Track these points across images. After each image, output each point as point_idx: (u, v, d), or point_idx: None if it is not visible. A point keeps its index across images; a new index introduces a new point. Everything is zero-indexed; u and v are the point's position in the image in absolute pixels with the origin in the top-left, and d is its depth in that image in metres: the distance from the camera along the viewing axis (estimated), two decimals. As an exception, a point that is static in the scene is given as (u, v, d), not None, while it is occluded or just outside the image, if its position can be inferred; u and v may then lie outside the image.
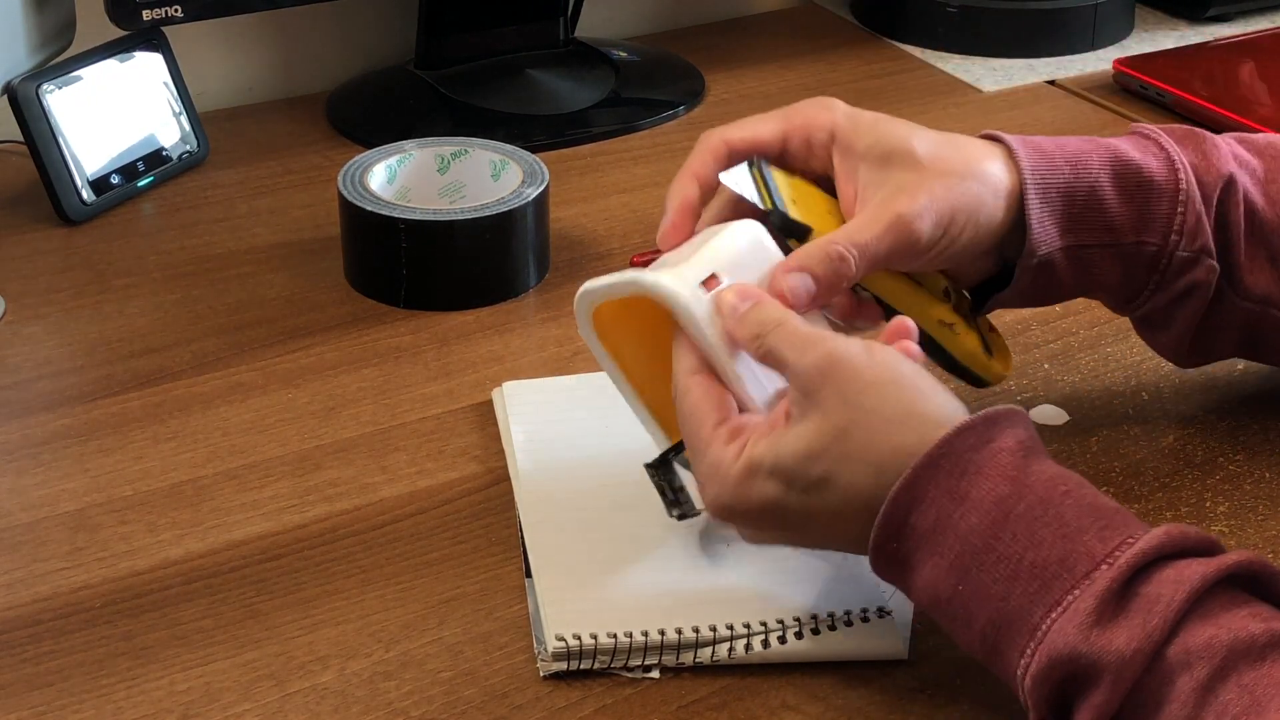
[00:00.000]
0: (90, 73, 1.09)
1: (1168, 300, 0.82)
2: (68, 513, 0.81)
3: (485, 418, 0.89)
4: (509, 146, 1.05)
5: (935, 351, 0.79)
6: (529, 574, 0.76)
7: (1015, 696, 0.64)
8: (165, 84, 1.14)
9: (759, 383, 0.72)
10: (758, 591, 0.74)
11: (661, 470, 0.76)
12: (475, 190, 1.04)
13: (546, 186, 1.01)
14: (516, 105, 1.24)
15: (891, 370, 0.68)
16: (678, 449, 0.76)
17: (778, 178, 0.78)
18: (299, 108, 1.27)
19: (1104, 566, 0.62)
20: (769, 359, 0.70)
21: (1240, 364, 0.93)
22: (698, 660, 0.72)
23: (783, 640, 0.72)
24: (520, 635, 0.73)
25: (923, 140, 0.77)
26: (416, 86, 1.26)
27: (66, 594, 0.76)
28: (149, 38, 1.13)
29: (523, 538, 0.78)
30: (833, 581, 0.74)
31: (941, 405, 0.68)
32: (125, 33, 1.11)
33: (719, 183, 0.78)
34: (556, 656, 0.71)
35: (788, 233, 0.76)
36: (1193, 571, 0.61)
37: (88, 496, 0.82)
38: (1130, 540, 0.62)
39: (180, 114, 1.15)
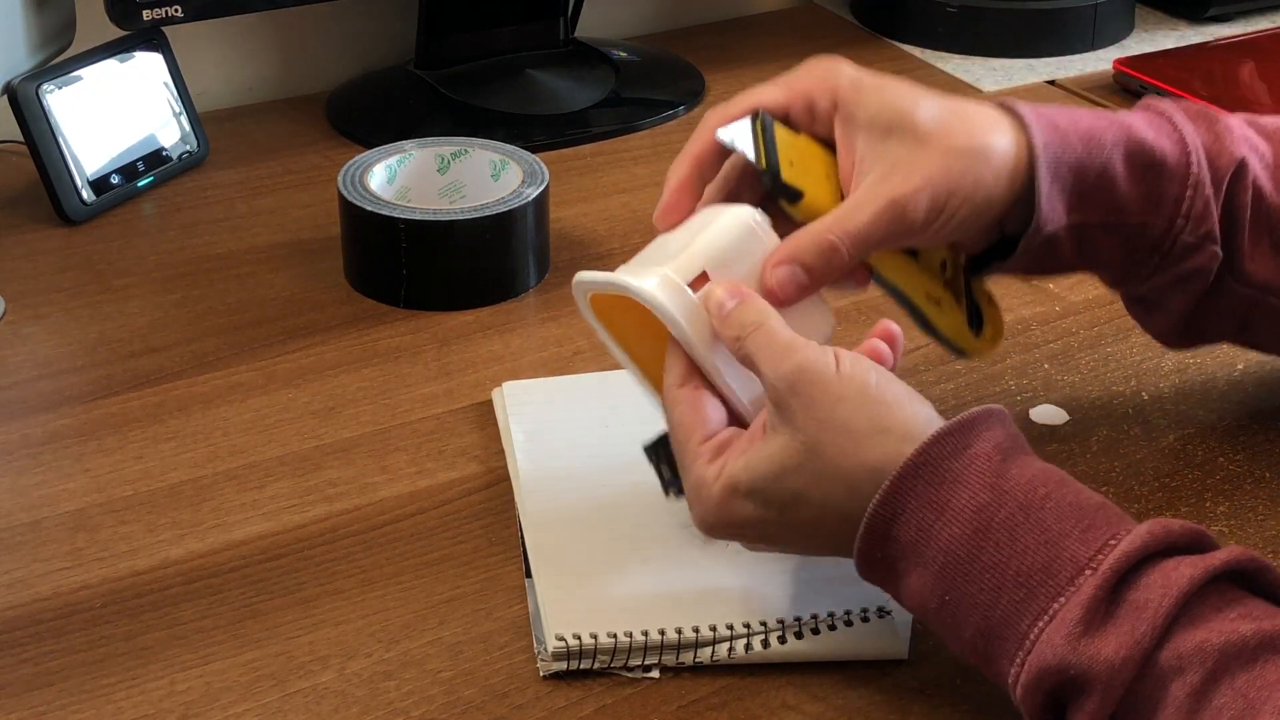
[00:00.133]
0: (90, 73, 1.09)
1: (1167, 282, 0.80)
2: (68, 513, 0.81)
3: (485, 418, 0.89)
4: (509, 146, 1.05)
5: (923, 323, 0.78)
6: (529, 574, 0.76)
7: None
8: (165, 84, 1.14)
9: (747, 382, 0.71)
10: (758, 591, 0.74)
11: (659, 450, 0.75)
12: (475, 190, 1.04)
13: (546, 186, 1.01)
14: (516, 105, 1.24)
15: (859, 383, 0.68)
16: None
17: (780, 135, 0.75)
18: (299, 108, 1.27)
19: (1088, 572, 0.61)
20: (747, 364, 0.70)
21: (1240, 364, 0.93)
22: (698, 660, 0.72)
23: (783, 640, 0.72)
24: (520, 635, 0.73)
25: (927, 109, 0.75)
26: (416, 86, 1.26)
27: (66, 594, 0.76)
28: (149, 38, 1.13)
29: (523, 538, 0.78)
30: (833, 581, 0.74)
31: (912, 416, 0.67)
32: (125, 33, 1.11)
33: (721, 158, 0.76)
34: (556, 656, 0.71)
35: (778, 194, 0.74)
36: (1180, 574, 0.61)
37: (88, 496, 0.82)
38: (1113, 541, 0.62)
39: (180, 114, 1.15)
